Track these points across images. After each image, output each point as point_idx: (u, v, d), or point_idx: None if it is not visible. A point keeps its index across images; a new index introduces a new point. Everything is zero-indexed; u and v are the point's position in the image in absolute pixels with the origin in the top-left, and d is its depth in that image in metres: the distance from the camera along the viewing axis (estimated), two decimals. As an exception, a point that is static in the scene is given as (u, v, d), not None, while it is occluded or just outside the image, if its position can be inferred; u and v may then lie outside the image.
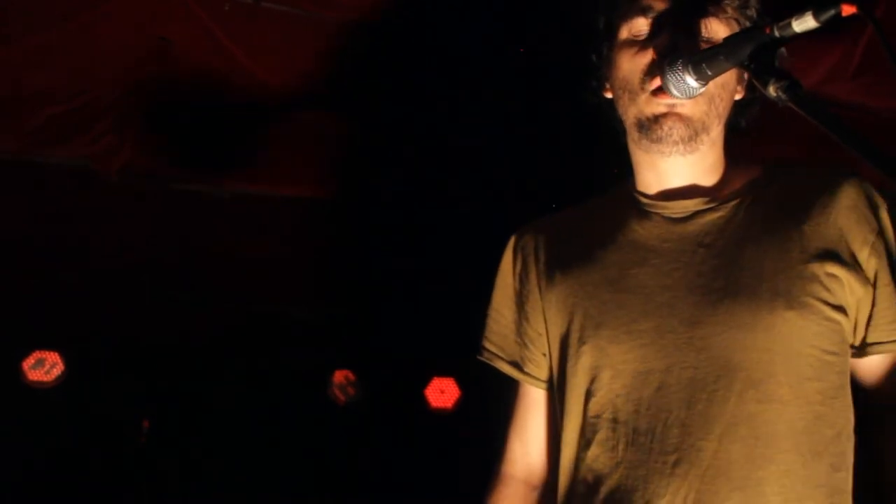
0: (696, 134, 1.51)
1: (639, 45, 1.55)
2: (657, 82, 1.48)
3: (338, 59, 3.39)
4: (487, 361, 1.77)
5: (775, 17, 1.28)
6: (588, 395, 1.55)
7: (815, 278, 1.46)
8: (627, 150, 1.69)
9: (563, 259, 1.66)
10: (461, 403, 5.54)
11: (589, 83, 1.69)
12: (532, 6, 3.16)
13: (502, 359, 1.75)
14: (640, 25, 1.56)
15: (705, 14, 1.53)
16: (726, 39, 1.38)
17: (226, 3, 3.08)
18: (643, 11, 1.55)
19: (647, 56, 1.52)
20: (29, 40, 3.08)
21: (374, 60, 3.37)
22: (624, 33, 1.58)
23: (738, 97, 1.60)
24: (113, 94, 3.37)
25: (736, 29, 1.52)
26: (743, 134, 1.67)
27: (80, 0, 3.00)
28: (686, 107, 1.49)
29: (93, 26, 3.09)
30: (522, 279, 1.72)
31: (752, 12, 1.56)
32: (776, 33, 1.28)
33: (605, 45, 1.64)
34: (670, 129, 1.50)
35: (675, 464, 1.43)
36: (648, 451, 1.46)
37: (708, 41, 1.51)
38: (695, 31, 1.52)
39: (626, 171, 1.71)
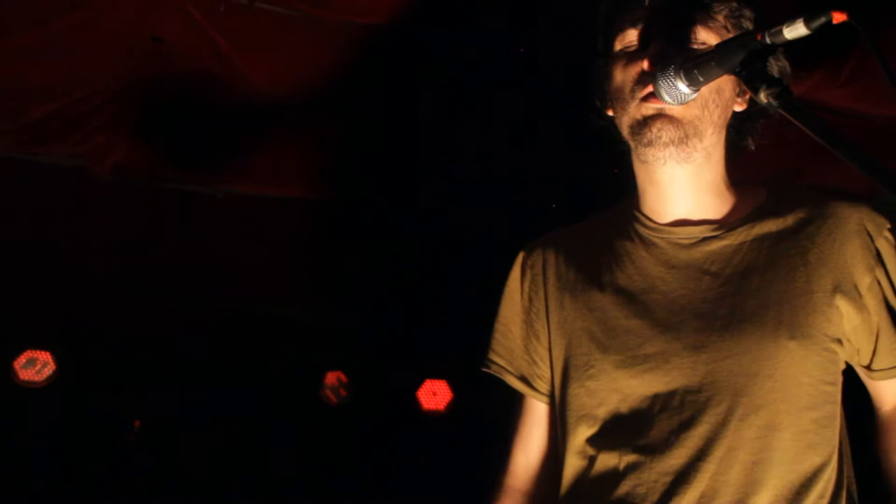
0: (688, 137, 1.51)
1: (630, 55, 1.56)
2: (648, 89, 1.48)
3: (332, 60, 3.39)
4: (495, 374, 1.78)
5: (766, 24, 1.29)
6: (593, 417, 1.57)
7: (817, 310, 1.49)
8: (623, 156, 1.70)
9: (572, 281, 1.68)
10: (453, 406, 5.54)
11: (593, 104, 1.69)
12: (531, 8, 3.16)
13: (510, 373, 1.76)
14: (631, 37, 1.56)
15: (695, 22, 1.53)
16: (718, 46, 1.38)
17: (220, 3, 3.08)
18: (633, 23, 1.56)
19: (638, 65, 1.52)
20: (22, 38, 3.07)
21: (369, 60, 3.37)
22: (617, 46, 1.59)
23: (738, 108, 1.59)
24: (107, 92, 3.37)
25: (727, 37, 1.51)
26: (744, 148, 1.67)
27: (75, -2, 3.00)
28: (675, 109, 1.49)
29: (87, 24, 3.09)
30: (532, 297, 1.74)
31: (745, 22, 1.56)
32: (767, 40, 1.28)
33: (603, 62, 1.64)
34: (659, 130, 1.50)
35: (675, 483, 1.46)
36: (649, 471, 1.49)
37: (699, 49, 1.51)
38: (685, 40, 1.52)
39: (626, 171, 1.71)
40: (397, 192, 4.02)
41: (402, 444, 5.40)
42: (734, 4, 1.55)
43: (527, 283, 1.75)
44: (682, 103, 1.44)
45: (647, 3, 1.55)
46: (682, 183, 1.59)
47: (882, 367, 1.54)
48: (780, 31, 1.25)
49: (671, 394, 1.50)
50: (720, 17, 1.54)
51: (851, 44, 2.95)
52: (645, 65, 1.50)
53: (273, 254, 4.36)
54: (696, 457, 1.46)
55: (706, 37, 1.52)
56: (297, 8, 3.15)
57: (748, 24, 1.55)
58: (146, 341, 4.92)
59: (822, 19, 1.20)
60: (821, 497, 1.46)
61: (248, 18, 3.17)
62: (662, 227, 1.62)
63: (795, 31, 1.24)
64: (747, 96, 1.58)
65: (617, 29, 1.59)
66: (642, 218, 1.65)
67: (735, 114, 1.60)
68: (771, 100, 1.25)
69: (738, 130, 1.63)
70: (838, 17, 1.19)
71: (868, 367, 1.55)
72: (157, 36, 3.18)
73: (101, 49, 3.18)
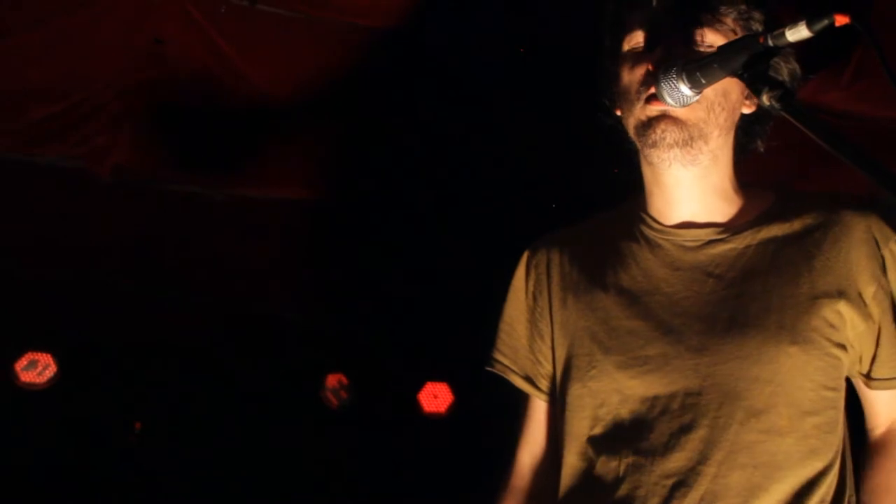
0: (692, 139, 1.50)
1: (636, 56, 1.56)
2: (653, 90, 1.48)
3: (333, 61, 3.39)
4: (500, 374, 1.78)
5: (776, 27, 1.28)
6: (594, 417, 1.57)
7: (821, 315, 1.48)
8: (628, 157, 1.69)
9: (576, 281, 1.68)
10: (454, 408, 5.53)
11: (602, 103, 1.69)
12: (530, 9, 3.16)
13: (515, 372, 1.75)
14: (638, 38, 1.56)
15: (703, 25, 1.52)
16: (720, 48, 1.38)
17: (221, 5, 3.08)
18: (640, 24, 1.56)
19: (644, 66, 1.53)
20: (23, 38, 3.07)
21: (369, 62, 3.37)
22: (625, 47, 1.59)
23: (746, 111, 1.59)
24: (107, 94, 3.37)
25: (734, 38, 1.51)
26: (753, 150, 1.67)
27: (76, -1, 3.01)
28: (680, 111, 1.49)
29: (88, 26, 3.09)
30: (536, 297, 1.73)
31: (754, 25, 1.55)
32: (770, 42, 1.28)
33: (610, 61, 1.64)
34: (664, 131, 1.50)
35: (675, 487, 1.46)
36: (649, 473, 1.48)
37: (705, 51, 1.50)
38: (692, 42, 1.52)
39: (626, 170, 1.71)
40: (398, 192, 4.02)
41: (403, 446, 5.39)
42: (742, 7, 1.55)
43: (531, 283, 1.75)
44: (684, 105, 1.43)
45: (654, 4, 1.55)
46: (688, 185, 1.59)
47: (881, 377, 1.54)
48: (783, 34, 1.25)
49: (672, 396, 1.50)
50: (728, 20, 1.53)
51: (854, 45, 2.94)
52: (650, 66, 1.50)
53: (273, 255, 4.35)
54: (696, 460, 1.45)
55: (714, 39, 1.52)
56: (298, 9, 3.15)
57: (757, 27, 1.54)
58: (147, 343, 4.92)
59: (825, 21, 1.20)
60: (822, 502, 1.45)
61: (248, 20, 3.17)
62: (668, 229, 1.62)
63: (798, 33, 1.23)
64: (756, 98, 1.57)
65: (625, 30, 1.59)
66: (648, 219, 1.65)
67: (743, 116, 1.60)
68: (773, 102, 1.25)
69: (746, 133, 1.63)
70: (841, 20, 1.19)
71: (867, 376, 1.54)
72: (157, 37, 3.18)
73: (101, 50, 3.18)
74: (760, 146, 1.66)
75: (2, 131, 3.40)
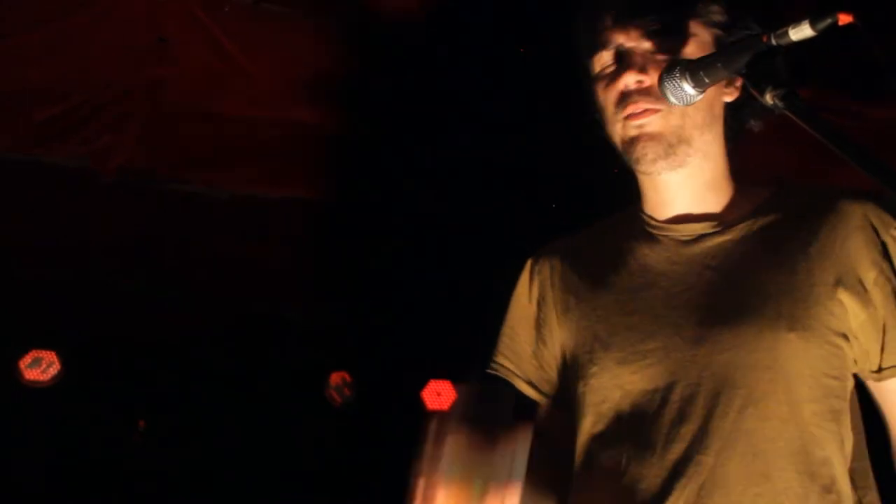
0: (672, 147, 1.53)
1: (607, 77, 1.58)
2: (628, 110, 1.52)
3: (337, 61, 3.39)
4: (503, 377, 1.78)
5: (771, 26, 1.29)
6: (597, 414, 1.58)
7: (819, 302, 1.48)
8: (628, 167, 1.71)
9: (578, 285, 1.69)
10: (457, 406, 5.52)
11: (591, 116, 1.70)
12: (532, 9, 3.17)
13: (518, 376, 1.77)
14: (606, 59, 1.59)
15: (661, 34, 1.54)
16: (723, 47, 1.39)
17: (225, 4, 3.09)
18: (604, 45, 1.58)
19: (616, 87, 1.55)
20: (27, 37, 3.08)
21: (373, 62, 3.37)
22: (596, 68, 1.62)
23: (729, 99, 1.60)
24: (111, 93, 3.37)
25: (702, 37, 1.54)
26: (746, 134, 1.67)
27: (79, -1, 3.01)
28: (654, 125, 1.52)
29: (92, 25, 3.09)
30: (540, 304, 1.75)
31: (715, 17, 1.56)
32: (773, 42, 1.28)
33: (587, 82, 1.67)
34: (643, 149, 1.53)
35: (674, 477, 1.46)
36: (650, 466, 1.49)
37: (674, 58, 1.49)
38: (656, 53, 1.53)
39: (626, 170, 1.72)
40: (401, 192, 4.03)
41: (406, 444, 5.38)
42: (699, 6, 1.56)
43: (535, 290, 1.76)
44: (688, 104, 1.44)
45: (610, 23, 1.57)
46: (681, 184, 1.61)
47: (891, 365, 1.51)
48: (786, 33, 1.25)
49: (671, 388, 1.50)
50: (690, 22, 1.55)
51: (858, 44, 2.94)
52: (621, 86, 1.53)
53: (277, 254, 4.36)
54: (695, 450, 1.46)
55: (676, 46, 1.53)
56: (303, 8, 3.16)
57: (718, 18, 1.56)
58: (151, 341, 4.93)
59: (828, 21, 1.20)
60: (827, 491, 1.45)
61: (252, 18, 3.17)
62: (664, 225, 1.63)
63: (801, 32, 1.23)
64: (738, 84, 1.58)
65: (591, 52, 1.62)
66: (645, 217, 1.67)
67: (728, 104, 1.61)
68: (777, 101, 1.25)
69: (735, 119, 1.64)
70: (844, 19, 1.19)
71: (878, 371, 1.52)
72: (160, 36, 3.18)
73: (103, 50, 3.18)
74: (755, 127, 1.67)
75: (5, 132, 3.41)
